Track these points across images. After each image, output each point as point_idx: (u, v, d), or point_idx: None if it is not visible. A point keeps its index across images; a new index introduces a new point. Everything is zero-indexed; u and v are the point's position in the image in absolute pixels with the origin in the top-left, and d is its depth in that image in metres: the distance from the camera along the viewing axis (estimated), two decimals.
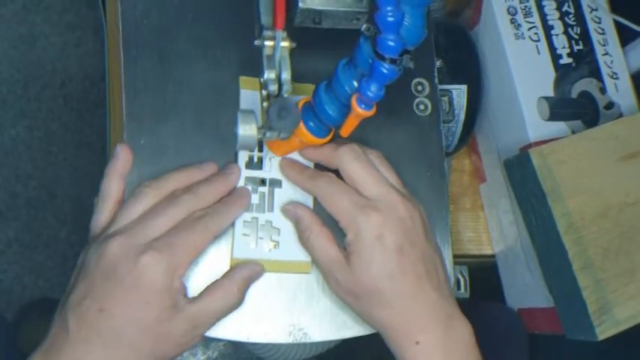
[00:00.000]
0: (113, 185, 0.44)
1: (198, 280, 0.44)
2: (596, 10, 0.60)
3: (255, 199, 0.46)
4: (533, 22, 0.59)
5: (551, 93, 0.57)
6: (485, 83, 0.62)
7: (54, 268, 1.01)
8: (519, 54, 0.58)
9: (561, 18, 0.59)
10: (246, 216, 0.46)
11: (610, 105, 0.57)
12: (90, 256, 0.41)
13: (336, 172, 0.45)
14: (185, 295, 0.42)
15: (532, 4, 0.59)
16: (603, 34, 0.60)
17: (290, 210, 0.46)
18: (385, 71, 0.37)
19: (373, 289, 0.42)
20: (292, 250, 0.46)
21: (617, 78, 0.59)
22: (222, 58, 0.48)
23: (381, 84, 0.38)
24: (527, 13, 0.59)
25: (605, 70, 0.59)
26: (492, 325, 0.61)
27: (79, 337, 0.39)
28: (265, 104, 0.42)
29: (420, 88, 0.52)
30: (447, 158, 0.63)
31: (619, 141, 0.53)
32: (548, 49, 0.58)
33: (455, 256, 0.51)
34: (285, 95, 0.41)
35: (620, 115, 0.57)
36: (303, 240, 0.45)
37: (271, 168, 0.47)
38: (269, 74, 0.41)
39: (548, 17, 0.59)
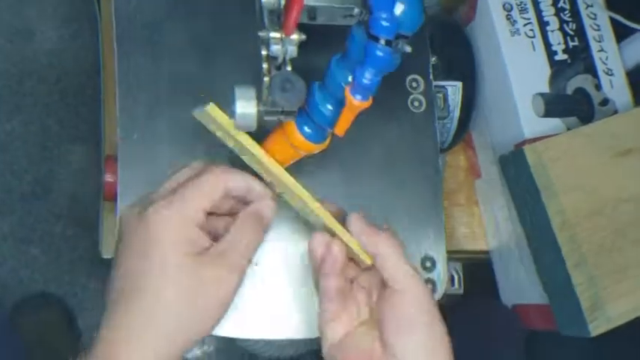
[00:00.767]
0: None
1: None
2: (592, 6, 0.60)
3: None
4: (528, 19, 0.59)
5: (546, 89, 0.57)
6: (481, 80, 0.62)
7: (49, 262, 1.01)
8: (515, 50, 0.58)
9: (557, 14, 0.59)
10: None
11: (605, 101, 0.57)
12: (126, 220, 0.41)
13: None
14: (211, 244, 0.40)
15: (528, 0, 0.59)
16: (598, 30, 0.60)
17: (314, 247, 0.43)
18: (380, 53, 0.33)
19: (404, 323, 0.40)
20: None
21: (612, 74, 0.59)
22: (215, 53, 0.48)
23: (377, 69, 0.34)
24: (523, 9, 0.59)
25: (600, 67, 0.59)
26: (490, 321, 0.61)
27: (118, 307, 0.38)
28: (267, 79, 0.38)
29: (414, 84, 0.52)
30: (442, 154, 0.63)
31: (614, 137, 0.54)
32: (544, 46, 0.58)
33: (449, 252, 0.52)
34: (289, 63, 0.37)
35: (615, 112, 0.57)
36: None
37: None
38: (273, 33, 0.36)
39: (544, 13, 0.59)
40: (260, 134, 0.41)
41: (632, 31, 0.58)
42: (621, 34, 0.60)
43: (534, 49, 0.58)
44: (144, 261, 0.38)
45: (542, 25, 0.59)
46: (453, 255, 0.63)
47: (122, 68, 0.47)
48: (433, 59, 0.53)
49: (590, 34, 0.59)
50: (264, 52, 0.37)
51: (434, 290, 0.49)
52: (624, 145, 0.54)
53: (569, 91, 0.58)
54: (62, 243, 1.02)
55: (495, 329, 0.61)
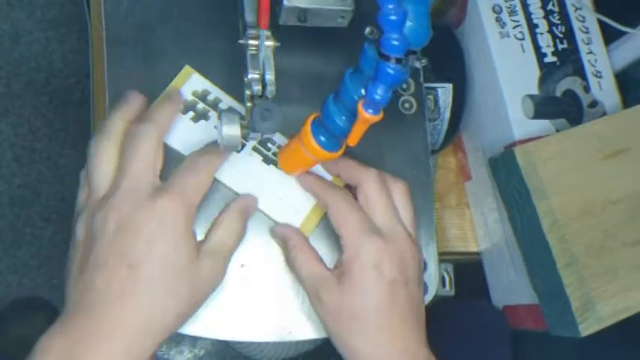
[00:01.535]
0: (119, 124, 0.42)
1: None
2: (581, 9, 0.60)
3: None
4: (518, 21, 0.59)
5: (535, 91, 0.57)
6: (471, 81, 0.62)
7: (38, 267, 1.01)
8: (504, 52, 0.58)
9: (546, 17, 0.60)
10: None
11: (594, 103, 0.58)
12: (98, 223, 0.39)
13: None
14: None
15: (517, 2, 0.59)
16: (587, 32, 0.60)
17: (278, 230, 0.46)
18: (391, 71, 0.35)
19: (356, 315, 0.41)
20: (286, 214, 0.47)
21: (600, 77, 0.59)
22: (206, 56, 0.48)
23: (388, 85, 0.36)
24: (512, 12, 0.59)
25: (589, 69, 0.59)
26: (477, 322, 0.61)
27: (112, 295, 0.38)
28: (249, 104, 0.42)
29: (405, 86, 0.52)
30: (432, 156, 0.64)
31: (603, 139, 0.54)
32: (533, 48, 0.58)
33: (440, 254, 0.52)
34: (269, 96, 0.41)
35: (604, 114, 0.58)
36: (290, 258, 0.45)
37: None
38: (253, 74, 0.41)
39: (533, 16, 0.59)
40: None
41: (621, 33, 0.58)
42: (610, 36, 0.60)
43: (524, 51, 0.58)
44: (151, 253, 0.39)
45: (532, 27, 0.59)
46: (443, 256, 0.63)
47: (112, 71, 0.46)
48: (424, 61, 0.53)
49: (579, 36, 0.60)
50: (246, 80, 0.42)
51: (425, 291, 0.49)
52: (613, 146, 0.54)
53: (559, 93, 0.58)
54: (51, 247, 1.01)
55: (483, 330, 0.62)
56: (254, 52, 0.42)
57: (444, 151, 0.66)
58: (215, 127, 0.46)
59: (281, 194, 0.47)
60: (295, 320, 0.46)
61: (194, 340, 1.01)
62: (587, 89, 0.58)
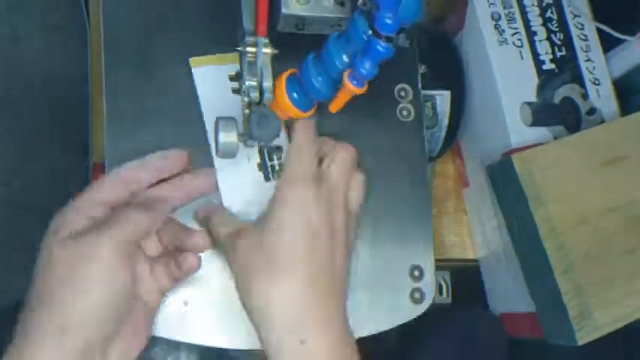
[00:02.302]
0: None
1: None
2: (579, 16, 0.60)
3: None
4: (516, 28, 0.59)
5: (534, 98, 0.57)
6: (469, 89, 0.62)
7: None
8: (503, 59, 0.58)
9: (544, 24, 0.60)
10: None
11: (592, 111, 0.58)
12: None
13: None
14: None
15: (516, 10, 0.59)
16: (586, 40, 0.60)
17: (198, 212, 0.45)
18: (381, 49, 0.36)
19: (273, 252, 0.39)
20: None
21: (599, 84, 0.59)
22: None
23: (376, 61, 0.37)
24: (511, 19, 0.59)
25: (587, 76, 0.59)
26: (473, 329, 0.61)
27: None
28: (247, 111, 0.42)
29: (403, 93, 0.52)
30: (430, 163, 0.64)
31: (601, 147, 0.54)
32: (532, 55, 0.58)
33: (438, 261, 0.52)
34: (267, 103, 0.41)
35: (602, 121, 0.58)
36: (210, 226, 0.44)
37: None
38: (250, 81, 0.41)
39: (532, 23, 0.60)
40: None
41: (619, 41, 0.59)
42: (608, 44, 0.60)
43: (522, 59, 0.58)
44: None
45: (530, 34, 0.59)
46: (441, 264, 0.63)
47: (110, 76, 0.46)
48: (422, 68, 0.53)
49: (578, 44, 0.60)
50: (244, 89, 0.42)
51: (422, 299, 0.49)
52: (611, 154, 0.54)
53: (557, 100, 0.58)
54: None
55: (479, 338, 0.62)
56: (252, 59, 0.42)
57: (442, 159, 0.66)
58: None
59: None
60: None
61: (191, 346, 1.00)
62: (585, 97, 0.58)
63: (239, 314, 0.45)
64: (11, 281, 0.99)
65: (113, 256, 0.38)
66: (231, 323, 0.45)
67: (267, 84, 0.41)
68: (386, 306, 0.49)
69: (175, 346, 0.98)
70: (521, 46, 0.59)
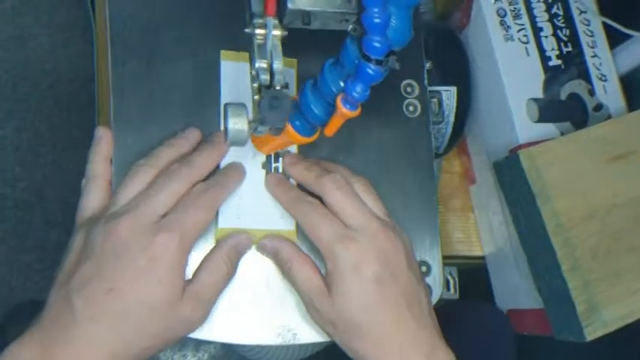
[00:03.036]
0: (100, 166, 0.44)
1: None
2: (585, 12, 0.60)
3: None
4: (522, 24, 0.59)
5: (540, 95, 0.57)
6: (475, 85, 0.62)
7: (42, 270, 1.01)
8: (508, 56, 0.58)
9: (550, 20, 0.60)
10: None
11: (598, 107, 0.58)
12: (95, 237, 0.40)
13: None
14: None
15: (521, 6, 0.59)
16: (592, 36, 0.60)
17: (267, 244, 0.45)
18: (371, 72, 0.36)
19: (351, 320, 0.41)
20: (276, 219, 0.47)
21: (605, 80, 0.59)
22: (210, 59, 0.48)
23: (367, 85, 0.37)
24: (517, 15, 0.59)
25: (593, 72, 0.59)
26: (481, 325, 0.61)
27: (85, 316, 0.38)
28: (257, 97, 0.41)
29: (409, 89, 0.52)
30: (437, 159, 0.64)
31: (607, 142, 0.54)
32: (538, 51, 0.58)
33: (444, 257, 0.51)
34: (278, 86, 0.40)
35: (609, 117, 0.58)
36: (285, 271, 0.45)
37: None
38: (260, 64, 0.40)
39: (538, 19, 0.59)
40: None
41: (625, 36, 0.58)
42: (614, 39, 0.60)
43: (528, 55, 0.58)
44: (135, 283, 0.39)
45: (536, 30, 0.59)
46: (448, 261, 0.63)
47: (116, 74, 0.46)
48: (428, 64, 0.53)
49: (584, 39, 0.60)
50: (253, 72, 0.41)
51: (429, 295, 0.49)
52: (618, 149, 0.54)
53: (563, 96, 0.58)
54: (56, 251, 1.01)
55: (487, 334, 0.61)
56: (261, 41, 0.41)
57: (449, 155, 0.66)
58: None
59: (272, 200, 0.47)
60: (299, 323, 0.46)
61: (198, 344, 1.01)
62: (591, 93, 0.58)
63: (247, 309, 0.45)
64: (17, 281, 0.99)
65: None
66: (240, 318, 0.45)
67: (278, 65, 0.40)
68: None
69: (179, 345, 0.98)
70: (527, 42, 0.58)
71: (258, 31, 0.41)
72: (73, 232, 0.43)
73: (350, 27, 0.37)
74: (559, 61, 0.58)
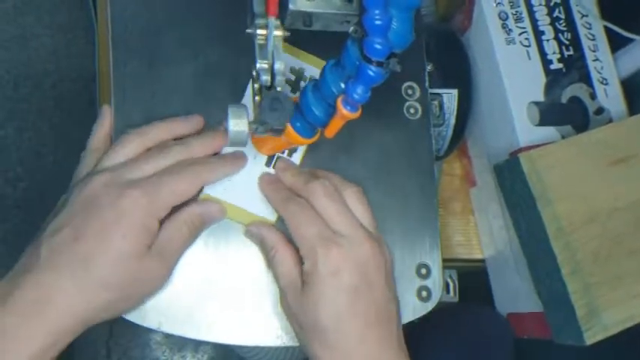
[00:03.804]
0: (100, 140, 0.46)
1: None
2: (587, 16, 0.60)
3: None
4: (524, 28, 0.59)
5: (541, 98, 0.57)
6: (476, 88, 0.62)
7: None
8: (510, 59, 0.58)
9: (552, 23, 0.60)
10: None
11: (600, 110, 0.58)
12: (73, 190, 0.42)
13: None
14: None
15: (523, 9, 0.59)
16: (593, 40, 0.60)
17: (254, 230, 0.46)
18: (372, 74, 0.36)
19: (318, 324, 0.41)
20: (260, 206, 0.47)
21: (606, 84, 0.59)
22: (211, 60, 0.48)
23: (367, 86, 0.37)
24: (519, 19, 0.59)
25: (595, 76, 0.59)
26: (480, 329, 0.61)
27: (48, 264, 0.39)
28: (258, 98, 0.41)
29: (410, 91, 0.52)
30: (437, 162, 0.64)
31: (608, 146, 0.54)
32: (539, 55, 0.58)
33: (444, 260, 0.51)
34: (278, 87, 0.40)
35: (610, 121, 0.58)
36: (269, 259, 0.45)
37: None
38: (261, 64, 0.40)
39: (539, 23, 0.59)
40: None
41: (627, 40, 0.58)
42: (616, 43, 0.60)
43: (530, 58, 0.58)
44: (100, 234, 0.39)
45: (538, 34, 0.59)
46: (448, 263, 0.63)
47: (118, 74, 0.46)
48: (429, 67, 0.53)
49: (585, 43, 0.60)
50: (254, 73, 0.41)
51: (429, 297, 0.49)
52: (619, 153, 0.54)
53: (564, 99, 0.58)
54: None
55: (485, 337, 0.61)
56: (262, 41, 0.41)
57: (449, 158, 0.66)
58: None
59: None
60: None
61: (197, 345, 1.01)
62: (593, 96, 0.58)
63: (247, 310, 0.45)
64: None
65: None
66: (240, 319, 0.45)
67: (279, 66, 0.40)
68: None
69: (178, 346, 0.98)
70: (529, 46, 0.58)
71: (259, 31, 0.41)
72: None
73: (351, 29, 0.37)
74: (560, 65, 0.58)
